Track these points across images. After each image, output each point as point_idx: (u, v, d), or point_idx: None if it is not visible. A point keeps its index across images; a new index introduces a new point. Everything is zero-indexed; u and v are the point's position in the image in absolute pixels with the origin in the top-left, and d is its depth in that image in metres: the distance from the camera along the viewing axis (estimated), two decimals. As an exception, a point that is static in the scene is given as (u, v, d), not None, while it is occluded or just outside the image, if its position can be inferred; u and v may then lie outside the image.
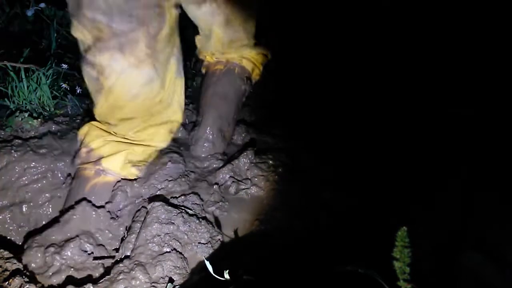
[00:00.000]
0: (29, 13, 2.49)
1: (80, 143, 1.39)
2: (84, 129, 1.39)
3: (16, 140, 1.55)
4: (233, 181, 1.52)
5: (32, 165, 1.45)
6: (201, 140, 1.67)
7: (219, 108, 1.72)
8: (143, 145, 1.40)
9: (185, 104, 2.01)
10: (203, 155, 1.66)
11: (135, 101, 1.27)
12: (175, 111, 1.42)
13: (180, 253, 1.19)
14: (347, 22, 2.76)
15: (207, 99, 1.74)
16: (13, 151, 1.47)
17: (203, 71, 1.84)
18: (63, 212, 1.32)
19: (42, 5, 2.51)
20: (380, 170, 1.63)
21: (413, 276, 0.68)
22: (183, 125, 1.79)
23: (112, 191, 1.38)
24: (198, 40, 1.77)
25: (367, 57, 2.52)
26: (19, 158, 1.46)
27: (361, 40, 2.66)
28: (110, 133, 1.37)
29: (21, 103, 1.81)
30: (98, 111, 1.34)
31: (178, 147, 1.66)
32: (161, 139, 1.43)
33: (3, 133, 1.64)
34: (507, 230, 1.17)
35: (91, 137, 1.36)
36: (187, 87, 2.29)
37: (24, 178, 1.42)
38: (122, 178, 1.41)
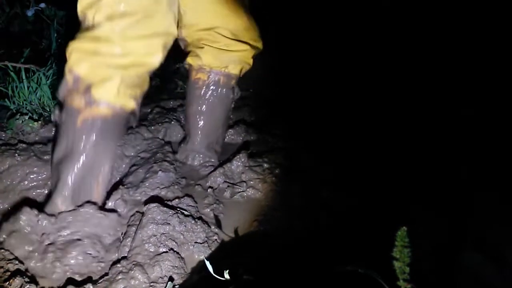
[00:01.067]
0: (29, 13, 2.49)
1: (67, 65, 1.22)
2: (68, 50, 1.20)
3: (21, 144, 1.55)
4: (228, 185, 1.53)
5: (34, 170, 1.45)
6: (192, 154, 1.66)
7: (206, 126, 1.63)
8: (136, 65, 1.22)
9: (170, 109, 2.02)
10: (196, 164, 1.66)
11: None
12: (171, 23, 1.25)
13: (177, 253, 1.19)
14: (347, 21, 2.76)
15: (192, 115, 1.64)
16: (16, 154, 1.48)
17: (186, 67, 1.68)
18: (56, 164, 1.24)
19: (42, 5, 2.52)
20: (380, 170, 1.63)
21: (413, 276, 0.69)
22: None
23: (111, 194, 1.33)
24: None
25: (367, 57, 2.52)
26: (22, 162, 1.46)
27: (361, 39, 2.66)
28: (96, 52, 1.17)
29: (21, 103, 1.81)
30: (82, 2, 1.16)
31: (167, 155, 1.66)
32: (154, 52, 1.23)
33: (4, 135, 1.64)
34: (507, 230, 1.17)
35: (76, 60, 1.18)
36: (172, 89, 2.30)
37: (26, 183, 1.42)
38: (118, 111, 1.24)
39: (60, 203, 1.23)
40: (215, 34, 1.48)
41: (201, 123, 1.63)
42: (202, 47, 1.53)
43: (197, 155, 1.66)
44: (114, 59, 1.17)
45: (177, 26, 1.38)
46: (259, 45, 1.58)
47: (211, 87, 1.59)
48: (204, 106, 1.61)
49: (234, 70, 1.58)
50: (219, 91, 1.60)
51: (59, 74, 1.95)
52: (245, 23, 1.50)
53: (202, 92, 1.60)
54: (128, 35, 1.16)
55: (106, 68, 1.17)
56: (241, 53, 1.54)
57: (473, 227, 1.22)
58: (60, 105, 1.24)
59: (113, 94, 1.19)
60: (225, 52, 1.52)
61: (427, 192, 1.45)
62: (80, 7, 1.18)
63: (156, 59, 1.24)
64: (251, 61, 1.61)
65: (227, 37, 1.49)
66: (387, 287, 0.74)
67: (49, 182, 1.43)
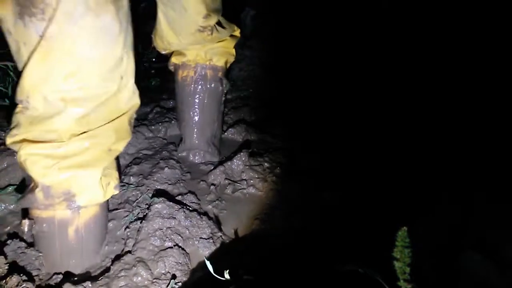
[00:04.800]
0: (29, 13, 2.48)
1: (21, 165, 1.00)
2: (20, 157, 0.98)
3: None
4: (229, 183, 1.53)
5: None
6: (192, 152, 1.66)
7: (200, 121, 1.63)
8: (109, 151, 1.05)
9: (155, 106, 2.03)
10: (197, 161, 1.66)
11: (88, 62, 0.91)
12: (134, 93, 1.07)
13: (182, 248, 1.19)
14: (347, 22, 2.76)
15: (185, 114, 1.63)
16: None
17: (171, 69, 1.66)
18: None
19: (42, 5, 2.51)
20: (380, 170, 1.63)
21: (413, 276, 0.69)
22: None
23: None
24: (154, 34, 1.55)
25: (367, 57, 2.52)
26: None
27: (360, 40, 2.66)
28: (56, 157, 0.97)
29: (21, 103, 1.81)
30: (26, 81, 0.91)
31: (172, 153, 1.68)
32: (123, 137, 1.08)
33: (3, 134, 1.64)
34: (507, 230, 1.17)
35: (38, 169, 0.97)
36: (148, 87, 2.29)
37: (25, 183, 1.42)
38: (105, 203, 1.14)
39: None
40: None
41: (195, 119, 1.63)
42: (185, 48, 1.55)
43: (197, 152, 1.66)
44: (84, 156, 1.00)
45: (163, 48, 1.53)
46: (237, 33, 1.61)
47: (200, 82, 1.60)
48: (195, 102, 1.61)
49: (219, 62, 1.59)
50: (207, 84, 1.61)
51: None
52: (222, 38, 1.54)
53: (192, 88, 1.60)
54: (89, 119, 0.98)
55: (81, 170, 1.00)
56: (223, 44, 1.56)
57: (473, 227, 1.22)
58: (30, 218, 1.08)
59: (101, 197, 1.06)
60: (207, 46, 1.53)
61: (427, 192, 1.45)
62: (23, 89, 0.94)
63: (124, 143, 1.09)
64: (233, 51, 1.63)
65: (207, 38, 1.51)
66: (387, 287, 0.74)
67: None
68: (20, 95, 0.95)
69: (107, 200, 1.15)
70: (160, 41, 1.53)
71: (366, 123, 2.00)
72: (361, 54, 2.56)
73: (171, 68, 1.66)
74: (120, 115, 1.05)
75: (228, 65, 1.67)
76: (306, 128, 1.98)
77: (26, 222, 1.09)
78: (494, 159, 1.54)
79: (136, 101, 1.08)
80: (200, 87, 1.61)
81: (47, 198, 1.00)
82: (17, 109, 0.97)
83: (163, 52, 1.61)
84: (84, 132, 0.99)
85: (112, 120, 1.03)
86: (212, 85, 1.61)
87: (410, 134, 1.84)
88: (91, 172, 1.02)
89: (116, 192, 1.12)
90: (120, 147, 1.08)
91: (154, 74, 2.50)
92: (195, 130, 1.64)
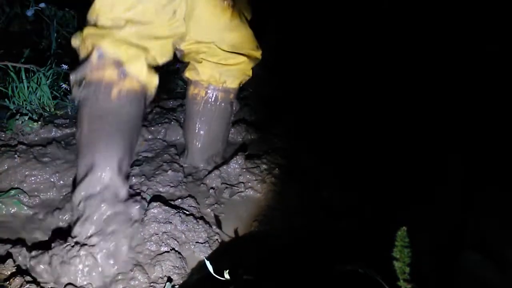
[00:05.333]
0: (29, 13, 2.49)
1: (82, 50, 1.21)
2: (82, 34, 1.20)
3: (20, 146, 1.55)
4: (226, 186, 1.53)
5: (33, 173, 1.44)
6: (194, 162, 1.65)
7: (205, 141, 1.61)
8: (162, 37, 1.25)
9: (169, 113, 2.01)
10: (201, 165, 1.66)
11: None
12: (182, 23, 1.28)
13: (179, 252, 1.19)
14: (347, 22, 2.76)
15: (190, 129, 1.61)
16: (16, 156, 1.48)
17: (185, 79, 1.65)
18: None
19: (42, 5, 2.51)
20: (380, 170, 1.63)
21: (413, 276, 0.69)
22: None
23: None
24: None
25: (367, 57, 2.52)
26: (21, 164, 1.46)
27: (361, 40, 2.66)
28: (115, 34, 1.18)
29: (21, 103, 1.81)
30: (97, 5, 1.17)
31: (174, 157, 1.67)
32: (165, 54, 1.29)
33: (3, 136, 1.64)
34: (507, 230, 1.17)
35: (96, 39, 1.18)
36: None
37: (25, 185, 1.42)
38: (144, 87, 1.24)
39: (109, 177, 1.18)
40: (213, 47, 1.45)
41: (200, 138, 1.60)
42: (200, 62, 1.51)
43: (201, 165, 1.64)
44: (136, 42, 1.20)
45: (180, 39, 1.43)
46: (258, 55, 1.55)
47: (210, 103, 1.56)
48: (202, 122, 1.59)
49: (233, 84, 1.56)
50: (217, 106, 1.57)
51: (59, 75, 1.95)
52: (242, 36, 1.47)
53: (200, 108, 1.57)
54: (143, 35, 1.21)
55: (130, 47, 1.19)
56: (239, 66, 1.51)
57: (473, 227, 1.22)
58: (79, 83, 1.21)
59: (144, 73, 1.22)
60: (223, 66, 1.49)
61: (427, 192, 1.45)
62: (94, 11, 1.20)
63: (166, 58, 1.30)
64: (250, 72, 1.59)
65: (225, 51, 1.46)
66: (387, 287, 0.74)
67: (44, 186, 1.43)
68: (91, 15, 1.19)
69: (144, 100, 1.27)
70: None
71: (366, 123, 2.00)
72: (362, 54, 2.56)
73: (184, 78, 1.63)
74: (166, 37, 1.26)
75: (242, 84, 1.63)
76: (305, 128, 1.98)
77: (76, 88, 1.22)
78: (494, 159, 1.54)
79: (182, 30, 1.29)
80: (209, 107, 1.57)
81: (100, 60, 1.17)
82: (85, 28, 1.20)
83: (178, 47, 1.48)
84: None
85: (160, 39, 1.24)
86: (222, 107, 1.58)
87: (410, 134, 1.84)
88: (140, 53, 1.21)
89: (156, 83, 1.27)
90: (161, 60, 1.28)
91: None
92: (198, 148, 1.62)
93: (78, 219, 1.15)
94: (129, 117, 1.22)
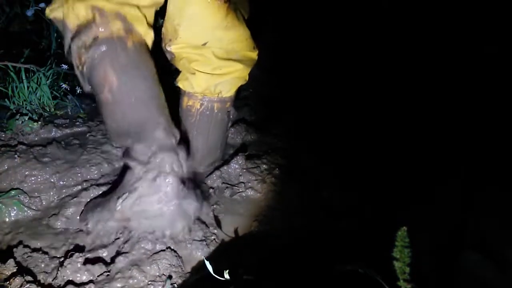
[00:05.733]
0: (29, 13, 2.48)
1: (71, 18, 1.19)
2: (66, 4, 1.18)
3: (20, 146, 1.55)
4: (226, 186, 1.53)
5: (34, 173, 1.44)
6: (194, 167, 1.60)
7: (202, 151, 1.56)
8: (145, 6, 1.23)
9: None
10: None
11: None
12: None
13: (175, 251, 1.19)
14: (347, 22, 2.76)
15: (189, 140, 1.54)
16: (16, 156, 1.47)
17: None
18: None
19: (42, 5, 2.51)
20: (380, 170, 1.63)
21: (413, 276, 0.69)
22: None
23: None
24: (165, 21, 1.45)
25: (367, 57, 2.52)
26: (21, 164, 1.46)
27: (360, 40, 2.66)
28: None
29: (21, 103, 1.81)
30: None
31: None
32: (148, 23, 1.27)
33: (3, 136, 1.63)
34: (507, 230, 1.17)
35: (87, 1, 1.17)
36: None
37: (25, 185, 1.42)
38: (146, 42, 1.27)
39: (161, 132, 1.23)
40: (206, 54, 1.35)
41: (198, 150, 1.55)
42: (194, 73, 1.41)
43: (200, 170, 1.62)
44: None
45: (169, 40, 1.37)
46: (254, 55, 1.45)
47: (205, 115, 1.49)
48: (199, 134, 1.52)
49: (228, 93, 1.47)
50: (214, 117, 1.50)
51: (59, 74, 1.95)
52: (237, 35, 1.37)
53: (196, 120, 1.50)
54: None
55: (123, 4, 1.19)
56: (235, 74, 1.42)
57: (473, 227, 1.22)
58: (87, 46, 1.20)
59: (144, 25, 1.23)
60: (218, 77, 1.40)
61: (427, 192, 1.45)
62: None
63: None
64: (247, 77, 1.49)
65: (219, 58, 1.36)
66: (387, 287, 0.74)
67: (44, 186, 1.42)
68: None
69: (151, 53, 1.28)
70: (169, 22, 1.35)
71: (366, 123, 2.00)
72: (362, 54, 2.56)
73: (177, 86, 1.54)
74: (146, 7, 1.24)
75: (239, 88, 1.53)
76: (305, 128, 1.98)
77: (80, 60, 1.22)
78: (494, 159, 1.54)
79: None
80: (205, 120, 1.49)
81: (102, 18, 1.17)
82: None
83: (169, 49, 1.40)
84: None
85: (139, 7, 1.22)
86: (219, 117, 1.51)
87: (410, 134, 1.84)
88: (133, 8, 1.20)
89: (152, 37, 1.27)
90: (150, 27, 1.27)
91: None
92: (197, 159, 1.58)
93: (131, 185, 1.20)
94: (150, 65, 1.25)
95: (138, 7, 1.22)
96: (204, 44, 1.34)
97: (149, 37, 1.27)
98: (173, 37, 1.35)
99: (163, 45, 1.42)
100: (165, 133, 1.23)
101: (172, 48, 1.37)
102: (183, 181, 1.23)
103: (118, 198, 1.21)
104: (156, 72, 1.28)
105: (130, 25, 1.21)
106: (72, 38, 1.21)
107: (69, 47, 1.22)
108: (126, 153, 1.26)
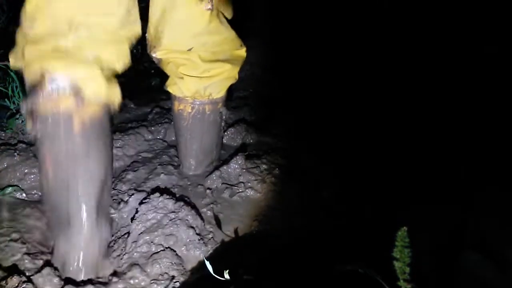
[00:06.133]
0: (29, 13, 2.48)
1: (28, 74, 1.03)
2: (23, 54, 1.02)
3: (20, 144, 1.56)
4: (226, 186, 1.53)
5: (33, 171, 1.45)
6: (191, 172, 1.61)
7: (197, 153, 1.57)
8: (113, 42, 1.07)
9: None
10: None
11: None
12: (136, 19, 1.10)
13: (174, 251, 1.19)
14: (347, 22, 2.76)
15: (181, 144, 1.57)
16: (16, 154, 1.48)
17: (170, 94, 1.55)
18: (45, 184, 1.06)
19: (42, 5, 2.51)
20: (380, 169, 1.63)
21: (413, 276, 0.68)
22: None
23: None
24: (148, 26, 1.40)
25: (367, 57, 2.52)
26: (21, 162, 1.46)
27: (361, 40, 2.66)
28: (63, 51, 1.00)
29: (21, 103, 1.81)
30: (31, 7, 0.97)
31: (173, 158, 1.67)
32: (123, 58, 1.11)
33: (3, 135, 1.64)
34: (507, 230, 1.17)
35: (43, 60, 1.00)
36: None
37: (24, 183, 1.42)
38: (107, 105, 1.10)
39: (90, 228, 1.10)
40: (193, 58, 1.34)
41: (193, 152, 1.56)
42: (182, 77, 1.40)
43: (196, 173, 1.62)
44: (85, 52, 1.03)
45: (154, 46, 1.35)
46: (242, 53, 1.44)
47: (197, 118, 1.48)
48: (193, 137, 1.53)
49: (219, 94, 1.47)
50: (205, 119, 1.50)
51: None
52: (222, 38, 1.36)
53: (189, 124, 1.50)
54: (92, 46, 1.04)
55: (82, 60, 1.02)
56: (223, 75, 1.41)
57: (473, 227, 1.22)
58: (32, 115, 1.05)
59: (103, 90, 1.05)
60: (206, 80, 1.39)
61: (427, 192, 1.45)
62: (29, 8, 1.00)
63: (123, 62, 1.12)
64: (236, 76, 1.48)
65: (205, 61, 1.35)
66: (387, 287, 0.74)
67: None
68: (25, 20, 1.00)
69: (110, 117, 1.14)
70: (153, 29, 1.34)
71: (366, 123, 2.00)
72: (362, 54, 2.56)
73: (166, 90, 1.53)
74: (122, 40, 1.09)
75: (230, 86, 1.53)
76: (305, 128, 1.98)
77: (30, 123, 1.06)
78: (494, 159, 1.54)
79: (137, 29, 1.12)
80: (197, 122, 1.50)
81: (53, 90, 1.00)
82: (19, 33, 1.04)
83: (154, 55, 1.39)
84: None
85: (114, 42, 1.07)
86: (211, 119, 1.51)
87: (410, 134, 1.84)
88: (94, 67, 1.03)
89: (118, 98, 1.11)
90: (119, 66, 1.10)
91: (154, 74, 2.50)
92: (192, 160, 1.58)
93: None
94: (98, 147, 1.10)
95: (103, 46, 1.05)
96: (190, 49, 1.33)
97: (112, 97, 1.10)
98: (157, 44, 1.33)
99: (148, 51, 1.40)
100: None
101: (157, 54, 1.36)
102: None
103: None
104: (107, 155, 1.14)
105: (82, 96, 1.02)
106: (23, 102, 1.07)
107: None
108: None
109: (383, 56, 2.47)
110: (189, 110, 1.47)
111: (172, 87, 1.46)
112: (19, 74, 1.82)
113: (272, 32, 2.84)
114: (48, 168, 1.06)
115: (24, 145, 1.56)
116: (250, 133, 1.88)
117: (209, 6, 1.27)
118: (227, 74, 1.42)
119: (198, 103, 1.45)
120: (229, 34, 1.39)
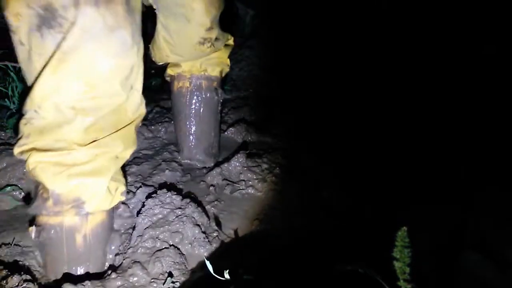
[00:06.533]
0: (29, 13, 2.48)
1: (33, 177, 1.03)
2: (29, 165, 0.99)
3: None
4: (227, 183, 1.53)
5: None
6: (192, 160, 1.66)
7: (197, 132, 1.63)
8: (116, 158, 1.06)
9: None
10: (198, 166, 1.67)
11: (101, 73, 0.93)
12: (142, 102, 1.10)
13: (178, 249, 1.19)
14: (346, 23, 2.76)
15: (182, 124, 1.64)
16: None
17: (167, 79, 1.68)
18: None
19: (42, 5, 2.51)
20: (380, 169, 1.63)
21: (413, 276, 0.68)
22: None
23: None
24: (152, 45, 1.56)
25: (366, 57, 2.52)
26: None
27: (360, 40, 2.66)
28: (64, 155, 0.98)
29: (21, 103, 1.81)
30: (38, 90, 0.92)
31: (174, 154, 1.68)
32: (130, 145, 1.10)
33: (3, 134, 1.64)
34: (507, 230, 1.17)
35: (47, 176, 0.98)
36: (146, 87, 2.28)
37: (22, 182, 1.42)
38: (111, 211, 1.15)
39: None
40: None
41: (192, 129, 1.63)
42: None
43: (197, 162, 1.66)
44: (90, 166, 1.01)
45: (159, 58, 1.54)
46: (230, 42, 1.62)
47: (195, 93, 1.61)
48: (191, 112, 1.62)
49: (214, 72, 1.60)
50: (203, 95, 1.61)
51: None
52: (219, 52, 1.57)
53: (187, 99, 1.61)
54: (97, 134, 1.00)
55: (89, 174, 1.01)
56: (217, 54, 1.57)
57: (473, 227, 1.22)
58: (38, 225, 1.06)
59: (108, 203, 1.08)
60: (202, 57, 1.55)
61: (427, 192, 1.45)
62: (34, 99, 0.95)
63: (132, 149, 1.12)
64: (228, 61, 1.65)
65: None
66: (387, 287, 0.74)
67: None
68: (30, 105, 0.96)
69: (114, 214, 1.18)
70: (158, 52, 1.53)
71: (365, 123, 2.00)
72: (361, 54, 2.56)
73: (167, 78, 1.67)
74: (128, 124, 1.07)
75: (223, 74, 1.68)
76: (306, 128, 1.98)
77: (33, 229, 1.07)
78: (494, 159, 1.54)
79: (142, 110, 1.12)
80: (195, 97, 1.61)
81: (56, 205, 1.01)
82: (24, 120, 0.99)
83: (159, 63, 1.61)
84: (93, 141, 1.00)
85: (120, 129, 1.05)
86: (208, 95, 1.62)
87: (410, 134, 1.84)
88: (100, 180, 1.03)
89: (123, 198, 1.14)
90: (127, 155, 1.10)
91: (154, 74, 2.50)
92: (193, 140, 1.65)
93: None
94: (102, 251, 1.14)
95: (114, 128, 1.03)
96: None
97: (115, 199, 1.10)
98: (162, 56, 1.52)
99: (152, 58, 1.59)
100: None
101: (157, 58, 1.56)
102: None
103: None
104: (105, 255, 1.16)
105: (87, 211, 1.04)
106: (29, 206, 1.07)
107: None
108: None
109: (382, 56, 2.47)
110: (187, 85, 1.60)
111: (171, 68, 1.62)
112: (19, 74, 1.82)
113: (272, 32, 2.84)
114: (49, 270, 1.09)
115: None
116: (250, 133, 1.88)
117: (209, 45, 1.47)
118: (220, 54, 1.59)
119: (195, 77, 1.59)
120: (223, 46, 1.57)
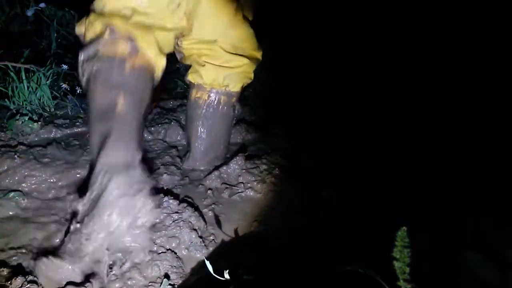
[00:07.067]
0: (29, 13, 2.49)
1: (89, 32, 1.26)
2: (89, 18, 1.27)
3: (20, 146, 1.55)
4: (226, 187, 1.53)
5: (33, 173, 1.44)
6: (196, 165, 1.65)
7: (206, 144, 1.62)
8: (165, 29, 1.29)
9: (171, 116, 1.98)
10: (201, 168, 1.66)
11: None
12: (184, 17, 1.33)
13: (175, 253, 1.19)
14: (346, 22, 2.76)
15: (192, 132, 1.62)
16: (16, 156, 1.48)
17: (187, 82, 1.66)
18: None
19: (42, 5, 2.51)
20: (380, 169, 1.63)
21: (413, 276, 0.69)
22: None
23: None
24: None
25: (366, 57, 2.52)
26: (21, 164, 1.46)
27: (360, 40, 2.66)
28: (129, 16, 1.24)
29: (21, 104, 1.81)
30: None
31: (175, 158, 1.67)
32: (168, 45, 1.34)
33: (3, 136, 1.64)
34: (507, 230, 1.17)
35: (106, 20, 1.23)
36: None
37: (24, 185, 1.41)
38: (153, 66, 1.29)
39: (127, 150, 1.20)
40: (216, 49, 1.47)
41: (202, 142, 1.61)
42: (203, 65, 1.52)
43: (202, 168, 1.64)
44: (145, 22, 1.25)
45: (183, 36, 1.45)
46: (259, 55, 1.58)
47: (212, 107, 1.58)
48: (204, 125, 1.60)
49: (235, 88, 1.58)
50: (219, 110, 1.59)
51: (59, 75, 1.95)
52: (244, 34, 1.51)
53: (203, 111, 1.59)
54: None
55: (141, 26, 1.24)
56: (241, 69, 1.53)
57: (473, 227, 1.22)
58: (90, 59, 1.24)
59: (154, 51, 1.26)
60: (226, 69, 1.51)
61: (427, 192, 1.45)
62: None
63: (180, 23, 1.33)
64: (252, 75, 1.61)
65: (227, 52, 1.48)
66: (387, 287, 0.74)
67: (44, 186, 1.42)
68: (97, 4, 1.25)
69: (153, 77, 1.31)
70: (185, 20, 1.42)
71: (366, 123, 2.00)
72: (361, 54, 2.56)
73: (187, 82, 1.65)
74: (169, 30, 1.31)
75: (244, 85, 1.64)
76: (305, 128, 1.98)
77: (82, 67, 1.26)
78: (494, 159, 1.54)
79: (183, 23, 1.34)
80: (211, 111, 1.58)
81: (112, 35, 1.22)
82: (92, 14, 1.26)
83: (180, 44, 1.51)
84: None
85: (163, 30, 1.29)
86: (224, 110, 1.60)
87: (410, 134, 1.84)
88: (148, 33, 1.26)
89: (163, 65, 1.31)
90: (164, 50, 1.32)
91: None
92: (200, 151, 1.63)
93: (97, 194, 1.12)
94: (142, 91, 1.26)
95: (154, 30, 1.27)
96: (214, 40, 1.45)
97: (159, 64, 1.30)
98: (186, 34, 1.44)
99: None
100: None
101: (184, 44, 1.48)
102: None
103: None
104: (147, 99, 1.29)
105: (138, 48, 1.23)
106: (82, 50, 1.26)
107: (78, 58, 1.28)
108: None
109: (383, 56, 2.47)
110: (205, 98, 1.57)
111: (192, 75, 1.59)
112: (19, 74, 1.82)
113: (272, 32, 2.84)
114: (98, 96, 1.23)
115: (24, 147, 1.55)
116: (250, 133, 1.88)
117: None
118: (245, 68, 1.55)
119: (214, 91, 1.56)
120: (250, 31, 1.53)
